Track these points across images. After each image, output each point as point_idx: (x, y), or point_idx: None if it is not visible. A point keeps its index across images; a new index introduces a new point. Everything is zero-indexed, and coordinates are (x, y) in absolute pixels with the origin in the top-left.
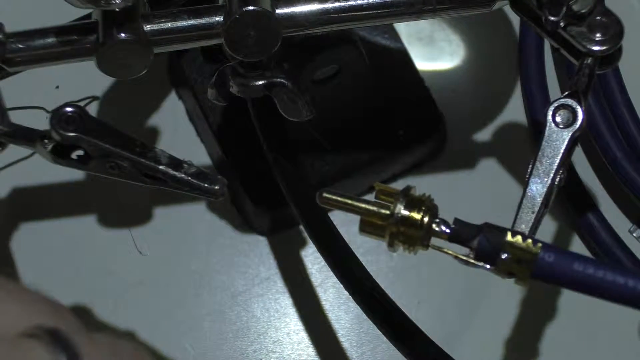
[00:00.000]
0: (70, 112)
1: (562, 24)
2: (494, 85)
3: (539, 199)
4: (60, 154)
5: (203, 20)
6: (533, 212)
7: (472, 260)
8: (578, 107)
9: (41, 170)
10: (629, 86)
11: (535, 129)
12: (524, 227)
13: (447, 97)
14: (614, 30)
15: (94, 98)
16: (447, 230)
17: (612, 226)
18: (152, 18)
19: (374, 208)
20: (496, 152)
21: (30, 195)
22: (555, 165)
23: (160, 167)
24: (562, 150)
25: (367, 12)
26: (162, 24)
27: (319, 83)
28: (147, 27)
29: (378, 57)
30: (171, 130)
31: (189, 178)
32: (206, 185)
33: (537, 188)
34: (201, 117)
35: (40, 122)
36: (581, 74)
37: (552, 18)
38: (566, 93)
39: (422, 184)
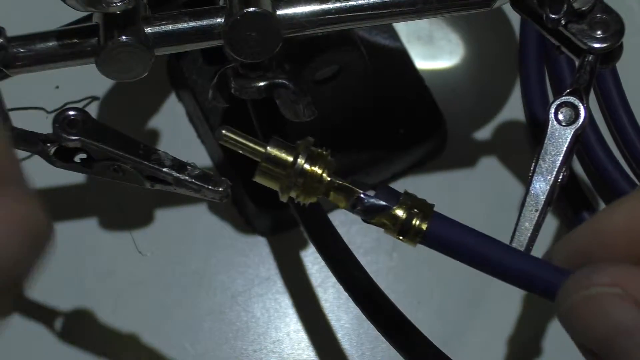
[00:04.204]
0: (73, 115)
1: (562, 22)
2: (494, 84)
3: (542, 197)
4: (63, 157)
5: (204, 22)
6: (537, 210)
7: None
8: (580, 104)
9: (41, 172)
10: (628, 88)
11: (534, 126)
12: (528, 224)
13: (447, 96)
14: (615, 27)
15: (94, 98)
16: (345, 184)
17: None
18: (152, 20)
19: (279, 154)
20: (496, 150)
21: None
22: (558, 163)
23: (164, 169)
24: (564, 148)
25: (368, 12)
26: (162, 26)
27: (319, 83)
28: (148, 30)
29: (378, 57)
30: (171, 131)
31: (193, 180)
32: (210, 187)
33: (541, 186)
34: (201, 119)
35: (40, 122)
36: (582, 72)
37: (552, 16)
38: (568, 91)
39: (422, 183)
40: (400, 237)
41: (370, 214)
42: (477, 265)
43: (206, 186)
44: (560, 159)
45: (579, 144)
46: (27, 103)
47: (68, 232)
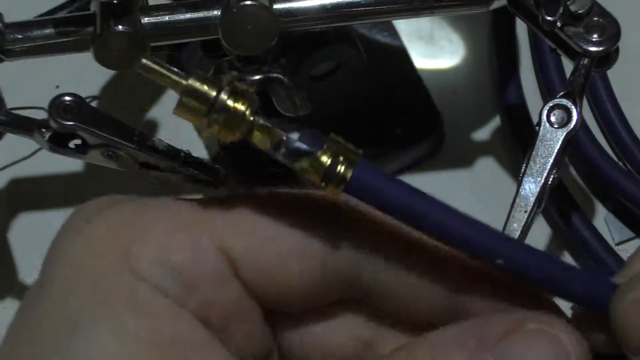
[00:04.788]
0: (68, 101)
1: (559, 24)
2: (495, 85)
3: (532, 199)
4: (58, 142)
5: (200, 14)
6: (526, 212)
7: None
8: (573, 107)
9: (42, 172)
10: (621, 86)
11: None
12: (516, 225)
13: (446, 96)
14: (611, 31)
15: (94, 98)
16: (268, 125)
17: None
18: (149, 11)
19: (200, 87)
20: (494, 150)
21: (28, 187)
22: (549, 165)
23: (158, 156)
24: (556, 150)
25: (365, 9)
26: (159, 17)
27: (316, 79)
28: (145, 20)
29: (376, 55)
30: (170, 126)
31: (187, 167)
32: (204, 174)
33: (530, 187)
34: None
35: None
36: (577, 75)
37: (549, 18)
38: (561, 93)
39: (419, 182)
40: (323, 184)
41: (293, 158)
42: (406, 219)
43: (200, 173)
44: (551, 161)
45: (570, 147)
46: (27, 103)
47: (60, 220)
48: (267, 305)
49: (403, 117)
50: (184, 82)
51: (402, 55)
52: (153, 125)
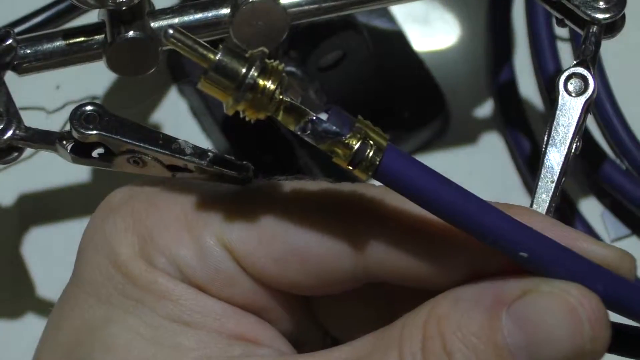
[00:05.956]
0: (89, 110)
1: None
2: (490, 61)
3: (558, 168)
4: (81, 153)
5: (209, 14)
6: (552, 181)
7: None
8: (589, 74)
9: (44, 172)
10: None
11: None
12: (545, 196)
13: (445, 76)
14: None
15: (94, 99)
16: (297, 104)
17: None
18: (158, 14)
19: (230, 63)
20: (497, 126)
21: (38, 201)
22: (570, 134)
23: (185, 157)
24: (576, 118)
25: None
26: (168, 20)
27: (324, 70)
28: (155, 24)
29: (378, 41)
30: (175, 126)
31: (216, 166)
32: (233, 172)
33: (555, 157)
34: (206, 113)
35: (40, 122)
36: (588, 43)
37: None
38: (575, 62)
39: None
40: (351, 168)
41: (320, 140)
42: (435, 210)
43: (229, 171)
44: (573, 129)
45: (589, 114)
46: (27, 103)
47: (72, 231)
48: (286, 291)
49: (409, 101)
50: (212, 57)
51: (401, 40)
52: (153, 127)
